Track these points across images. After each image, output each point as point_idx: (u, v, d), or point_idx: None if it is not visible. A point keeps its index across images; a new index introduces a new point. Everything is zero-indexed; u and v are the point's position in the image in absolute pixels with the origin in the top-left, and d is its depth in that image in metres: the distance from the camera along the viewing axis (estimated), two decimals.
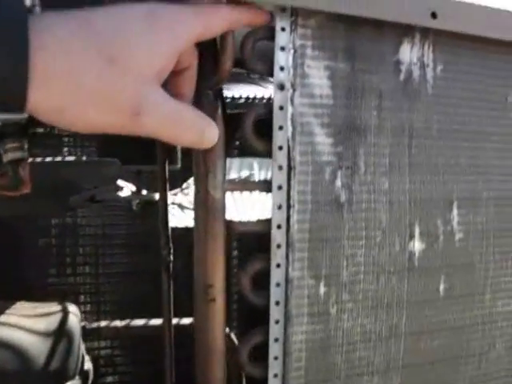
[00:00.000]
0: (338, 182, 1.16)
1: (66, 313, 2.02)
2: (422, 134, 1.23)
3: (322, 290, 1.18)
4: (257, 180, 1.15)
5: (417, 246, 1.25)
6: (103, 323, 2.66)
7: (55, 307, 2.07)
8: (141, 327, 2.64)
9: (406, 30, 1.20)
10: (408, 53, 1.21)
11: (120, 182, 2.53)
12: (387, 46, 1.19)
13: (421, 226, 1.25)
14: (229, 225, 1.13)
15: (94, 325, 2.62)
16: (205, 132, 0.88)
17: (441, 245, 1.28)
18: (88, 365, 2.14)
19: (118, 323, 2.67)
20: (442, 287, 1.29)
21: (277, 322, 1.16)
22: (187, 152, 2.08)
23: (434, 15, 1.17)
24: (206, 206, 1.12)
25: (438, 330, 1.31)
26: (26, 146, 1.40)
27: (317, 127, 1.14)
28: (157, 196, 2.52)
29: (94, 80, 0.66)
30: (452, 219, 1.28)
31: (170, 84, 0.87)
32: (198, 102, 1.19)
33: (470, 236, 1.31)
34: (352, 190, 1.18)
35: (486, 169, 1.30)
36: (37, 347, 1.83)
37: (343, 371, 1.24)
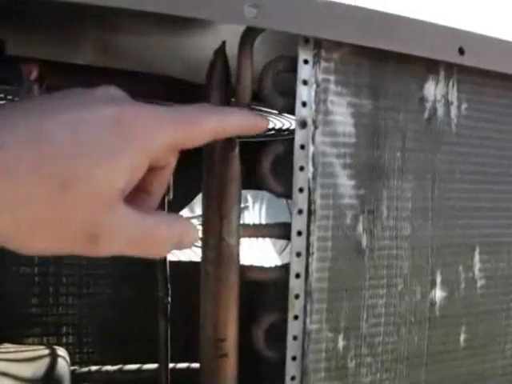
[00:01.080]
0: (360, 227, 1.08)
1: (54, 357, 1.88)
2: (444, 177, 1.16)
3: (341, 343, 1.09)
4: (274, 223, 1.06)
5: (438, 294, 1.18)
6: (94, 368, 2.51)
7: (42, 351, 1.93)
8: (134, 371, 2.50)
9: (430, 66, 1.13)
10: (432, 90, 1.14)
11: None
12: (412, 82, 1.12)
13: (442, 273, 1.17)
14: (243, 272, 1.04)
15: (85, 369, 2.47)
16: (182, 241, 0.70)
17: (462, 292, 1.20)
18: None
19: (109, 368, 2.52)
20: (462, 337, 1.22)
21: (293, 378, 1.07)
22: (178, 182, 1.98)
23: (461, 51, 1.11)
24: (219, 253, 1.02)
25: (458, 383, 1.23)
26: None
27: (339, 168, 1.06)
28: None
29: (41, 208, 0.54)
30: (474, 265, 1.21)
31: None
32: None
33: (491, 283, 1.24)
34: (374, 236, 1.10)
35: (509, 213, 1.24)
36: None
37: None
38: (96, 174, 0.55)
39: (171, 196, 1.72)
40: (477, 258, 1.21)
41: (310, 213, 1.03)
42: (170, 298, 1.70)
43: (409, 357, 1.16)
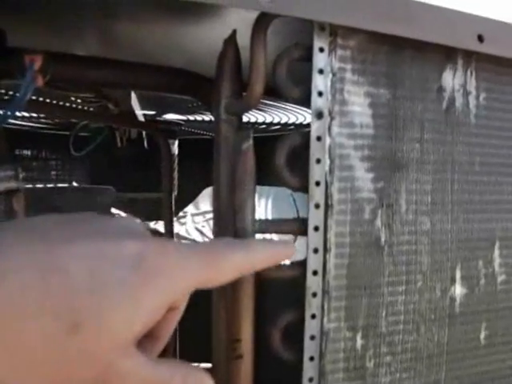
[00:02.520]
0: (378, 222, 1.04)
1: None
2: (464, 169, 1.12)
3: (359, 342, 1.05)
4: (291, 218, 1.02)
5: (458, 290, 1.14)
6: None
7: None
8: None
9: (448, 55, 1.09)
10: (451, 79, 1.10)
11: (113, 211, 2.36)
12: (430, 71, 1.08)
13: (462, 268, 1.14)
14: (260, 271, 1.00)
15: None
16: None
17: (482, 288, 1.16)
18: None
19: None
20: (483, 334, 1.18)
21: (310, 379, 1.02)
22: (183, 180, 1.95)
23: (480, 38, 1.07)
24: None
25: (478, 382, 1.19)
26: (20, 176, 1.24)
27: (356, 160, 1.01)
28: (151, 225, 2.38)
29: (45, 351, 0.47)
30: (494, 260, 1.17)
31: None
32: (218, 130, 1.07)
33: None
34: (393, 231, 1.06)
35: None
36: None
37: None
38: (113, 315, 0.49)
39: (175, 192, 1.69)
40: (497, 252, 1.17)
41: (327, 207, 0.99)
42: None
43: (429, 355, 1.12)
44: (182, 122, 2.45)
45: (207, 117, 2.39)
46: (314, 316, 1.01)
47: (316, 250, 0.99)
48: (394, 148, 1.05)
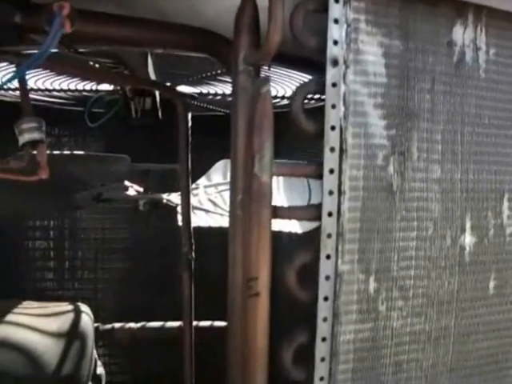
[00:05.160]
0: (391, 168, 1.08)
1: (78, 313, 1.86)
2: (473, 121, 1.16)
3: (372, 285, 1.09)
4: (308, 163, 1.06)
5: (468, 239, 1.17)
6: (117, 325, 2.50)
7: (66, 307, 1.91)
8: (156, 329, 2.49)
9: (459, 10, 1.13)
10: (461, 34, 1.14)
11: (126, 183, 2.40)
12: (441, 25, 1.12)
13: (472, 218, 1.17)
14: (275, 211, 1.04)
15: (108, 326, 2.45)
16: None
17: (491, 239, 1.20)
18: (100, 369, 1.98)
19: (132, 325, 2.51)
20: (492, 284, 1.21)
21: (325, 319, 1.06)
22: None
23: None
24: (251, 190, 1.02)
25: (487, 331, 1.23)
26: (43, 128, 1.28)
27: (370, 107, 1.05)
28: (164, 196, 2.42)
29: None
30: (502, 212, 1.21)
31: None
32: (236, 82, 1.11)
33: None
34: (405, 177, 1.09)
35: None
36: (48, 349, 1.67)
37: (391, 375, 1.15)
38: None
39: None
40: (505, 204, 1.20)
41: (342, 151, 1.03)
42: (193, 254, 1.69)
43: (439, 302, 1.16)
44: (196, 95, 2.49)
45: (219, 88, 2.43)
46: (328, 257, 1.04)
47: (331, 192, 1.03)
48: (405, 97, 1.08)
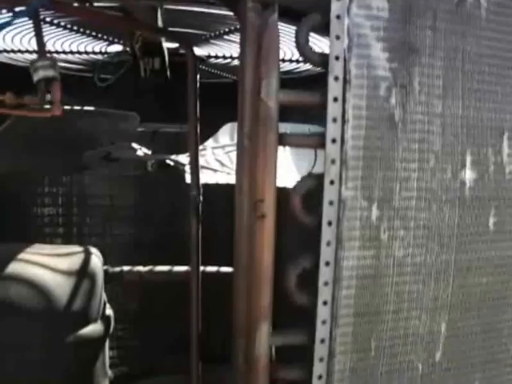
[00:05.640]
0: (393, 100, 1.12)
1: (88, 254, 1.90)
2: (474, 60, 1.19)
3: (375, 213, 1.13)
4: (313, 91, 1.10)
5: (468, 175, 1.21)
6: (126, 268, 2.54)
7: (77, 249, 1.95)
8: (165, 273, 2.52)
9: None
10: None
11: (134, 145, 2.43)
12: None
13: (472, 154, 1.20)
14: (281, 138, 1.08)
15: (117, 269, 2.49)
16: None
17: (491, 176, 1.23)
18: (109, 311, 2.01)
19: (141, 268, 2.54)
20: (491, 221, 1.24)
21: (328, 243, 1.10)
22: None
23: None
24: (258, 115, 1.06)
25: (487, 267, 1.26)
26: (57, 66, 1.33)
27: (373, 40, 1.09)
28: (172, 157, 2.45)
29: None
30: (502, 150, 1.24)
31: None
32: (244, 19, 1.15)
33: None
34: (406, 110, 1.13)
35: None
36: (59, 286, 1.71)
37: (393, 304, 1.18)
38: None
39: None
40: (506, 143, 1.24)
41: (346, 81, 1.07)
42: (201, 197, 1.72)
43: (440, 235, 1.19)
44: (204, 58, 2.53)
45: (226, 50, 2.46)
46: (332, 182, 1.08)
47: (335, 120, 1.07)
48: (408, 32, 1.12)
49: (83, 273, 1.82)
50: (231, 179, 2.52)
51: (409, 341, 1.22)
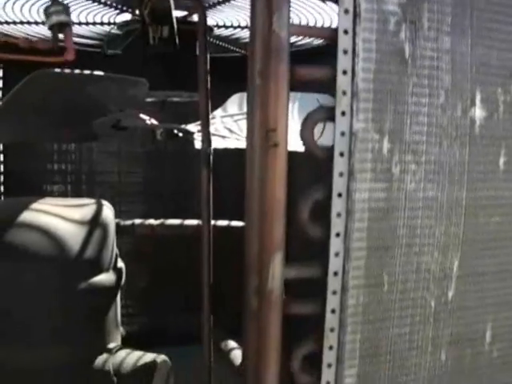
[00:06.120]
0: (402, 35, 1.14)
1: (100, 206, 1.92)
2: (481, 7, 1.21)
3: (386, 146, 1.14)
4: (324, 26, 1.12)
5: (478, 113, 1.22)
6: (138, 221, 2.55)
7: (89, 201, 1.97)
8: (176, 226, 2.54)
9: None
10: None
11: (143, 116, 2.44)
12: None
13: (482, 92, 1.22)
14: (293, 70, 1.10)
15: (129, 222, 2.51)
16: None
17: (501, 115, 1.24)
18: (121, 264, 2.03)
19: (152, 221, 2.56)
20: (502, 160, 1.25)
21: (340, 174, 1.12)
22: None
23: None
24: (270, 48, 1.08)
25: (498, 206, 1.27)
26: (69, 11, 1.36)
27: None
28: (180, 126, 2.47)
29: None
30: (511, 90, 1.25)
31: None
32: None
33: None
34: (416, 45, 1.15)
35: None
36: (71, 235, 1.73)
37: (405, 239, 1.20)
38: None
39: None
40: None
41: (355, 14, 1.09)
42: (212, 149, 1.72)
43: (451, 171, 1.21)
44: (213, 27, 2.56)
45: (234, 19, 2.49)
46: (343, 113, 1.10)
47: (345, 52, 1.09)
48: None
49: (95, 223, 1.85)
50: (240, 144, 2.54)
51: (421, 277, 1.23)
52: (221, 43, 2.85)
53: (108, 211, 1.96)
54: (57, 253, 1.70)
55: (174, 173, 3.22)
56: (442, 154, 1.20)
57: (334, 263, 1.16)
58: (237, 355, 2.41)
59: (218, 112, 2.73)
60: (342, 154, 1.11)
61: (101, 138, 2.31)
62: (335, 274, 1.16)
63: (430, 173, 1.19)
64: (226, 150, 2.53)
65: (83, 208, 1.91)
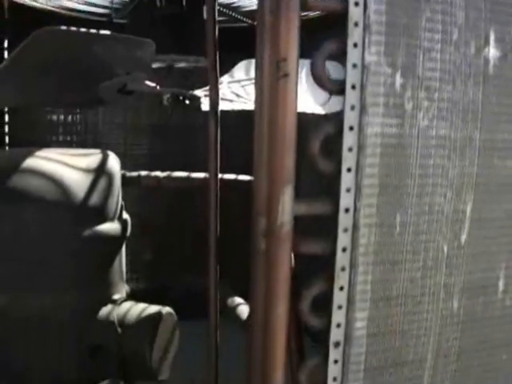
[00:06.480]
0: None
1: (105, 156, 1.90)
2: None
3: (398, 80, 1.13)
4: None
5: (492, 52, 1.20)
6: (143, 173, 2.52)
7: (94, 150, 1.96)
8: (183, 179, 2.51)
9: None
10: None
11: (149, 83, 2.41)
12: None
13: (496, 31, 1.20)
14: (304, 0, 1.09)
15: (134, 173, 2.48)
16: None
17: None
18: (126, 216, 2.01)
19: (158, 173, 2.53)
20: None
21: (352, 108, 1.10)
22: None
23: None
24: None
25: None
26: None
27: None
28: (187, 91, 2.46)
29: None
30: None
31: None
32: None
33: None
34: None
35: None
36: (76, 182, 1.71)
37: (417, 178, 1.17)
38: None
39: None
40: None
41: None
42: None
43: (464, 110, 1.19)
44: None
45: None
46: (355, 45, 1.09)
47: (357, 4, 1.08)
48: None
49: (101, 171, 1.84)
50: (247, 107, 2.52)
51: (434, 218, 1.21)
52: (226, 11, 2.85)
53: (114, 161, 1.95)
54: (61, 198, 1.69)
55: (181, 146, 3.22)
56: (455, 92, 1.18)
57: (345, 200, 1.14)
58: (243, 310, 2.39)
59: (225, 78, 2.71)
60: (353, 87, 1.10)
61: (107, 103, 2.30)
62: (346, 210, 1.14)
63: (443, 110, 1.17)
64: (232, 112, 2.51)
65: (89, 157, 1.90)
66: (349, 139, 1.11)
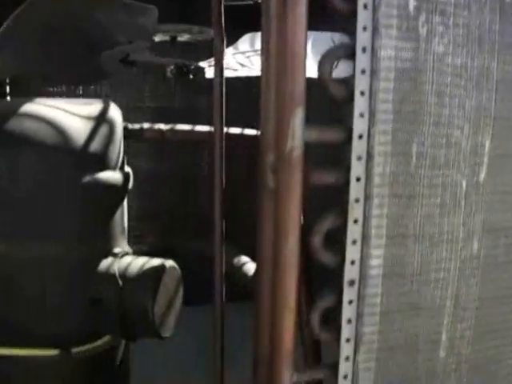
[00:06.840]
0: None
1: (107, 105, 1.83)
2: None
3: (412, 2, 1.09)
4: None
5: None
6: (146, 125, 2.45)
7: (96, 100, 1.90)
8: (187, 132, 2.44)
9: None
10: None
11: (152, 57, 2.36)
12: None
13: None
14: None
15: (137, 125, 2.41)
16: None
17: None
18: (128, 169, 1.95)
19: (162, 126, 2.46)
20: None
21: (364, 28, 1.07)
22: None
23: None
24: None
25: None
26: None
27: None
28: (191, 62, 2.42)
29: None
30: None
31: None
32: None
33: None
34: None
35: None
36: (77, 129, 1.65)
37: (433, 107, 1.13)
38: None
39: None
40: None
41: None
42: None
43: (480, 38, 1.15)
44: None
45: None
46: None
47: None
48: None
49: (102, 119, 1.79)
50: (252, 73, 2.49)
51: (451, 151, 1.16)
52: None
53: (115, 111, 1.91)
54: (60, 143, 1.65)
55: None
56: (472, 18, 1.14)
57: (358, 126, 1.09)
58: (250, 268, 2.32)
59: (230, 50, 2.68)
60: (365, 6, 1.06)
61: (109, 76, 2.26)
62: (360, 137, 1.09)
63: (459, 36, 1.13)
64: (237, 79, 2.48)
65: (90, 105, 1.86)
66: (362, 61, 1.07)
